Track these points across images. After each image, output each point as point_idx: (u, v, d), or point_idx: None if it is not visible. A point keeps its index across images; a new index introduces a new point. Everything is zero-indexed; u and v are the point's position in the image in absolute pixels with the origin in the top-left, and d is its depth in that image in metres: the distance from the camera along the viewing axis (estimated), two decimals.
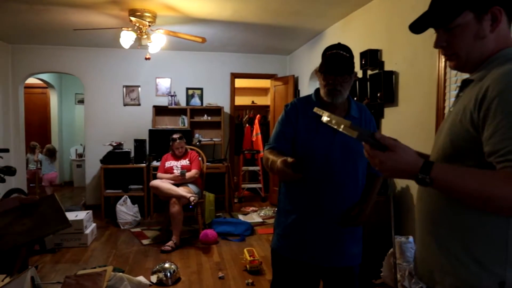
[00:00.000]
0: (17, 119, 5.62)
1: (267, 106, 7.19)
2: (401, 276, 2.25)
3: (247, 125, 7.11)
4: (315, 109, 1.22)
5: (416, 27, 1.11)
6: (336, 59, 1.68)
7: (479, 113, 0.93)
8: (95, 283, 2.68)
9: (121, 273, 2.87)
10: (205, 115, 5.99)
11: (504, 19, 1.00)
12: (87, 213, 4.37)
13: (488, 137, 0.90)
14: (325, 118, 1.07)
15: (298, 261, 1.77)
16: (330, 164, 1.68)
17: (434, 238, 1.05)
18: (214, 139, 6.00)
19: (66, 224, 1.51)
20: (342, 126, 0.97)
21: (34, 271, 2.71)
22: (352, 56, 1.73)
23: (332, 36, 4.50)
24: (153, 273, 3.29)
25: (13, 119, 5.55)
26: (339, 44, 1.75)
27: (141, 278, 3.18)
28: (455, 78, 2.49)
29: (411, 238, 2.38)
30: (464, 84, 1.08)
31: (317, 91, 1.82)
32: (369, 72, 3.49)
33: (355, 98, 3.19)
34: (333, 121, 1.02)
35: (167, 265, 3.30)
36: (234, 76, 6.26)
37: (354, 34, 3.93)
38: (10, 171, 3.42)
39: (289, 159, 1.50)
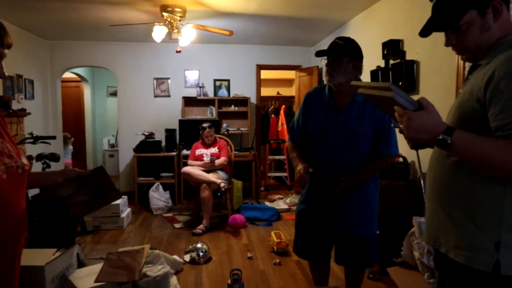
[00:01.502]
0: (55, 111, 5.99)
1: (292, 97, 7.32)
2: (420, 254, 2.38)
3: (272, 115, 7.27)
4: (353, 82, 1.39)
5: (424, 32, 1.23)
6: (331, 46, 2.00)
7: (486, 92, 1.04)
8: (134, 259, 2.92)
9: (158, 251, 3.10)
10: (232, 106, 6.19)
11: (504, 9, 1.12)
12: (122, 198, 4.66)
13: (496, 114, 1.00)
14: (360, 89, 1.22)
15: (313, 224, 2.11)
16: (331, 141, 2.01)
17: (440, 205, 1.19)
18: (241, 129, 6.20)
19: (118, 196, 1.72)
20: (377, 89, 1.09)
21: (79, 248, 2.99)
22: (347, 45, 2.00)
23: (355, 27, 4.58)
24: (186, 252, 3.53)
25: (52, 111, 5.93)
26: (339, 36, 2.08)
27: (175, 257, 3.43)
28: None
29: None
30: (473, 68, 1.19)
31: None
32: (391, 61, 3.57)
33: None
34: (369, 89, 1.16)
35: (199, 245, 3.53)
36: (260, 67, 6.42)
37: (377, 24, 4.01)
38: (54, 157, 3.73)
39: (309, 169, 2.01)
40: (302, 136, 2.18)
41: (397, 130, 1.16)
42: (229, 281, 2.70)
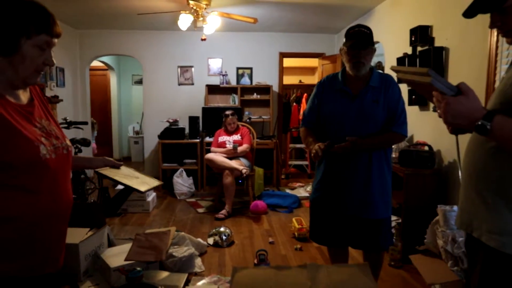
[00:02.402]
0: (84, 99, 6.19)
1: (314, 85, 7.26)
2: (444, 242, 2.38)
3: (294, 104, 7.26)
4: (392, 67, 1.40)
5: (469, 13, 1.18)
6: (359, 35, 2.02)
7: None
8: (161, 240, 3.03)
9: (183, 233, 3.21)
10: (255, 94, 6.22)
11: None
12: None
13: None
14: (399, 74, 1.23)
15: (329, 209, 2.17)
16: (346, 125, 2.06)
17: (476, 190, 1.18)
18: (263, 117, 6.23)
19: (160, 182, 1.90)
20: (415, 74, 1.10)
21: (109, 229, 3.12)
22: (371, 34, 2.04)
23: (382, 13, 4.51)
24: (210, 236, 3.63)
25: (81, 98, 6.12)
26: (359, 24, 2.10)
27: (199, 240, 3.53)
28: (507, 52, 2.50)
29: (455, 207, 2.48)
30: None
31: (343, 69, 2.17)
32: (419, 48, 3.51)
33: None
34: (408, 74, 1.17)
35: (222, 229, 3.62)
36: (283, 55, 6.41)
37: (404, 10, 3.94)
38: (85, 142, 3.88)
39: (321, 145, 2.01)
40: (316, 122, 2.23)
41: (436, 114, 1.15)
42: (255, 261, 2.78)
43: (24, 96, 1.18)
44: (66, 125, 3.98)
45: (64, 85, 5.52)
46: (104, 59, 7.38)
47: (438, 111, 1.08)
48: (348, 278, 1.18)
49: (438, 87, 1.02)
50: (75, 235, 2.56)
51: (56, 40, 1.15)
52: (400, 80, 2.10)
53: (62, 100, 4.87)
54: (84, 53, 6.13)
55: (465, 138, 1.27)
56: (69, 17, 5.19)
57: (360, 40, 2.01)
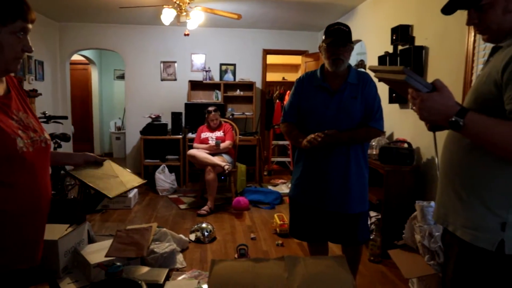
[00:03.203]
0: (64, 93, 6.06)
1: None
2: (422, 237, 2.44)
3: (277, 100, 7.28)
4: (369, 67, 1.43)
5: (448, 9, 1.21)
6: (338, 32, 2.07)
7: (503, 75, 1.03)
8: (143, 236, 3.01)
9: (165, 229, 3.19)
10: (238, 90, 6.22)
11: None
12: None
13: (511, 97, 1.01)
14: (376, 74, 1.26)
15: (308, 205, 2.20)
16: (326, 122, 2.10)
17: (452, 185, 1.22)
18: (246, 113, 6.24)
19: (143, 180, 1.81)
20: (391, 72, 1.12)
21: (89, 225, 3.08)
22: (350, 31, 2.11)
23: (364, 12, 4.56)
24: (191, 232, 3.62)
25: (61, 93, 5.99)
26: (338, 22, 2.15)
27: (181, 236, 3.51)
28: (483, 52, 2.58)
29: (432, 203, 2.54)
30: (494, 50, 1.19)
31: (322, 66, 2.21)
32: (400, 47, 3.58)
33: None
34: (385, 73, 1.20)
35: (204, 225, 3.62)
36: (266, 52, 6.42)
37: (386, 9, 4.00)
38: (65, 137, 3.81)
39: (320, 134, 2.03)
40: (297, 118, 2.27)
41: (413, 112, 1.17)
42: (236, 255, 2.79)
43: (0, 87, 1.16)
44: (45, 120, 3.90)
45: (43, 78, 5.40)
46: (85, 53, 7.24)
47: (414, 108, 1.10)
48: (325, 270, 1.20)
49: (413, 84, 1.05)
50: (54, 231, 2.52)
51: (31, 26, 1.13)
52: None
53: (41, 94, 4.76)
54: (64, 46, 5.99)
55: (443, 136, 1.30)
56: (49, 9, 5.07)
57: (339, 38, 2.06)
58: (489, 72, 1.11)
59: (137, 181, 1.83)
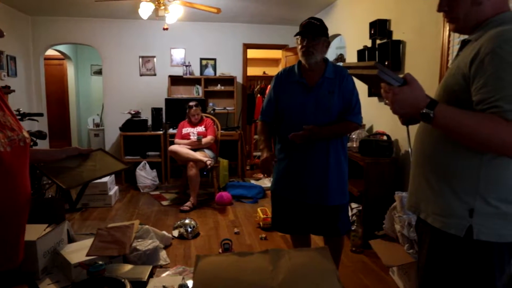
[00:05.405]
0: (39, 90, 5.88)
1: None
2: (401, 227, 2.50)
3: (258, 95, 7.28)
4: (343, 64, 1.46)
5: None
6: (308, 25, 2.10)
7: (471, 67, 1.07)
8: (125, 234, 2.97)
9: (147, 226, 3.16)
10: (219, 85, 6.18)
11: None
12: (109, 176, 4.67)
13: (479, 88, 1.05)
14: (350, 70, 1.28)
15: (289, 198, 2.25)
16: (305, 117, 2.13)
17: (423, 174, 1.27)
18: (227, 108, 6.21)
19: (125, 165, 1.82)
20: (364, 68, 1.15)
21: (68, 224, 3.02)
22: (323, 26, 2.13)
23: (343, 6, 4.60)
24: (174, 228, 3.60)
25: (35, 89, 5.82)
26: (311, 16, 2.19)
27: (164, 232, 3.49)
28: (458, 46, 2.64)
29: None
30: (463, 44, 1.23)
31: (299, 62, 2.23)
32: (378, 41, 3.63)
33: None
34: (358, 69, 1.22)
35: (187, 221, 3.60)
36: (247, 46, 6.39)
37: (364, 4, 4.04)
38: (41, 135, 3.70)
39: (274, 159, 2.19)
40: (274, 116, 2.30)
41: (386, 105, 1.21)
42: (220, 250, 2.79)
43: None
44: (19, 117, 3.78)
45: (16, 74, 5.22)
46: (60, 48, 7.03)
47: (386, 101, 1.13)
48: (309, 261, 1.22)
49: (385, 78, 1.07)
50: (33, 231, 2.46)
51: None
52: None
53: (14, 91, 4.60)
54: (38, 41, 5.81)
55: (416, 128, 1.34)
56: (21, 2, 4.90)
57: (308, 30, 2.09)
58: (457, 65, 1.15)
59: (117, 166, 1.91)
